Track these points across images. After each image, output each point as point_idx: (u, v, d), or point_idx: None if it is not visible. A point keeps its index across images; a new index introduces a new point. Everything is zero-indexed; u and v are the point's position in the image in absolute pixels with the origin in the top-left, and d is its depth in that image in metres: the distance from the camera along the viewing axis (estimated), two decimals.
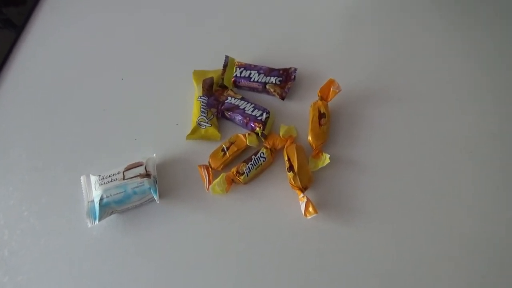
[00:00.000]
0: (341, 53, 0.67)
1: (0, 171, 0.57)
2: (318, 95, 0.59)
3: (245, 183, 0.55)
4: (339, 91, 0.58)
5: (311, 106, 0.59)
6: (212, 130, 0.58)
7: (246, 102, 0.59)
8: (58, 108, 0.63)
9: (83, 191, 0.54)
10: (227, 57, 0.63)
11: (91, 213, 0.52)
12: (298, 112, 0.61)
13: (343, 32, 0.69)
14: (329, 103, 0.59)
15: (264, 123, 0.57)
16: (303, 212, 0.51)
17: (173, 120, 0.61)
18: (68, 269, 0.51)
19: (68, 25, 0.73)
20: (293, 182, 0.53)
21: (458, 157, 0.56)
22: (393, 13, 0.71)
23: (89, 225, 0.52)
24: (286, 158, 0.54)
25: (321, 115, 0.57)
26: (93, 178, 0.54)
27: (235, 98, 0.60)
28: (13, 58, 0.70)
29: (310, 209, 0.51)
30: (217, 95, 0.61)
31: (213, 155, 0.56)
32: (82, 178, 0.55)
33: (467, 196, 0.54)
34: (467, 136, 0.58)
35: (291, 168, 0.53)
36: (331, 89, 0.58)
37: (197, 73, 0.63)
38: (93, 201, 0.52)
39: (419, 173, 0.55)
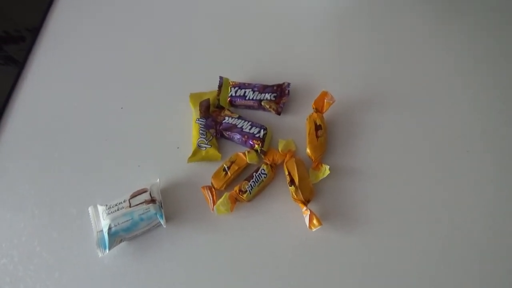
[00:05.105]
0: (332, 64, 0.68)
1: (10, 209, 0.59)
2: (313, 108, 0.60)
3: (249, 200, 0.56)
4: (333, 102, 0.59)
5: (307, 119, 0.60)
6: (213, 151, 0.59)
7: (243, 121, 0.60)
8: (61, 141, 0.65)
9: (92, 222, 0.55)
10: (221, 77, 0.65)
11: (101, 243, 0.53)
12: (295, 126, 0.62)
13: (333, 43, 0.70)
14: (324, 114, 0.60)
15: (262, 140, 0.58)
16: (307, 225, 0.52)
17: (174, 144, 0.62)
18: None
19: (66, 58, 0.74)
20: (295, 196, 0.53)
21: (460, 160, 0.57)
22: (382, 18, 0.72)
23: (100, 254, 0.53)
24: (286, 172, 0.55)
25: (317, 127, 0.58)
26: (101, 208, 0.55)
27: (232, 118, 0.61)
28: (16, 93, 0.71)
29: (314, 221, 0.51)
30: (214, 116, 0.62)
31: (215, 175, 0.57)
32: (90, 209, 0.56)
33: (472, 200, 0.54)
34: (468, 137, 0.58)
35: (292, 182, 0.54)
36: (325, 100, 0.59)
37: (193, 96, 0.65)
38: (102, 231, 0.53)
39: (420, 178, 0.56)
